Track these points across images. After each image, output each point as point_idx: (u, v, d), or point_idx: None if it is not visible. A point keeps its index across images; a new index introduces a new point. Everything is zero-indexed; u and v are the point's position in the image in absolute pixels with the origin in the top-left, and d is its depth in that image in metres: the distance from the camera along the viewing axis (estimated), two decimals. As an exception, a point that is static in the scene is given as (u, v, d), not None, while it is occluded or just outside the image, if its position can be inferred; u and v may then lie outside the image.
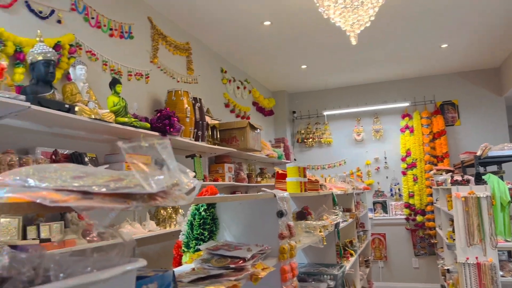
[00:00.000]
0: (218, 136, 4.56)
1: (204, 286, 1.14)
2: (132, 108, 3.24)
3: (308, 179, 2.62)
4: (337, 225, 2.95)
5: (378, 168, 6.99)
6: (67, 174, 0.73)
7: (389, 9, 4.16)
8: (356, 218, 4.28)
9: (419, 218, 6.61)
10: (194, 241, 1.73)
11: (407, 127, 6.86)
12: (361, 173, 7.06)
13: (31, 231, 2.27)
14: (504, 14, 4.47)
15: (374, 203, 6.98)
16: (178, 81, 4.25)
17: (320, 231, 2.42)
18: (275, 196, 1.76)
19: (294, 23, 4.50)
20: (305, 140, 7.41)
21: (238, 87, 5.78)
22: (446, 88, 6.75)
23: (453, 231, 4.23)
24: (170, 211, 3.46)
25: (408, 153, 6.77)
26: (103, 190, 0.64)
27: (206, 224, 1.76)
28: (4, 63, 2.09)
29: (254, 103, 6.37)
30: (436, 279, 6.48)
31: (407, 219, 6.75)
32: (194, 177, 0.95)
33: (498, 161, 4.83)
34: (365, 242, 5.08)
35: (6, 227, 2.15)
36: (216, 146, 4.27)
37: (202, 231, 1.74)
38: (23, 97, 2.10)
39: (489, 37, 5.16)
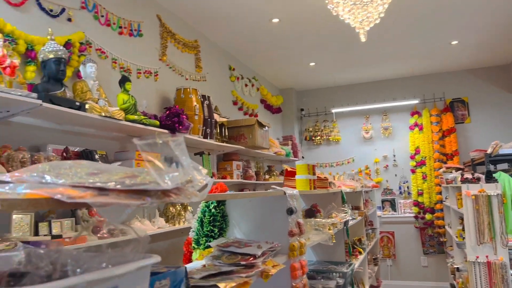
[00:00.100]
0: (227, 134, 4.57)
1: (215, 283, 1.15)
2: (142, 106, 3.25)
3: (318, 176, 2.61)
4: (346, 223, 2.94)
5: (387, 166, 6.95)
6: (82, 171, 0.74)
7: (398, 5, 4.13)
8: (364, 216, 4.27)
9: (428, 216, 6.57)
10: (204, 238, 1.73)
11: (416, 124, 6.81)
12: (370, 171, 7.03)
13: (43, 227, 2.30)
14: (515, 10, 4.42)
15: (382, 201, 6.95)
16: (187, 79, 4.26)
17: (329, 229, 2.42)
18: (285, 193, 1.76)
19: (303, 20, 4.48)
20: (313, 138, 7.39)
21: (246, 85, 5.78)
22: (456, 85, 6.69)
23: (463, 229, 4.20)
24: (179, 208, 3.48)
25: (417, 151, 6.73)
26: (119, 186, 0.65)
27: (216, 221, 1.77)
28: (16, 61, 2.11)
29: (262, 101, 6.37)
30: (445, 278, 6.44)
31: (416, 217, 6.71)
32: (207, 174, 0.96)
33: (509, 159, 4.78)
34: (373, 240, 5.06)
35: (18, 223, 2.18)
36: (224, 144, 4.27)
37: (212, 228, 1.75)
38: (35, 95, 2.12)
39: (499, 34, 5.10)
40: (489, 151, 4.37)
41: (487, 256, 3.75)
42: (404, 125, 6.92)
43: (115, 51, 3.27)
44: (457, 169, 5.42)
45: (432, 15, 4.49)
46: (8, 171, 2.07)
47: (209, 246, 1.69)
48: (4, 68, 2.03)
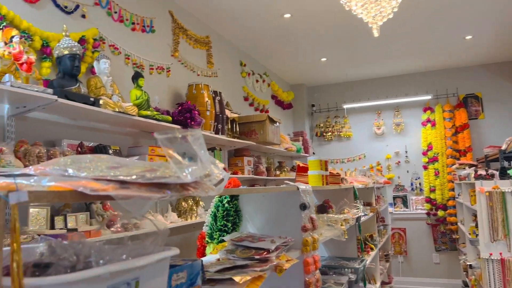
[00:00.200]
0: (238, 130, 4.58)
1: (230, 276, 1.16)
2: (154, 102, 3.27)
3: (330, 172, 2.61)
4: (358, 219, 2.93)
5: (399, 162, 6.90)
6: (102, 165, 0.75)
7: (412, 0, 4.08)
8: (376, 212, 4.25)
9: (440, 213, 6.52)
10: (217, 232, 1.75)
11: (428, 120, 6.74)
12: (381, 167, 6.99)
13: (59, 221, 2.34)
14: (532, 4, 4.34)
15: (394, 198, 6.91)
16: (198, 75, 4.28)
17: (341, 225, 2.42)
18: (298, 189, 1.76)
19: (314, 15, 4.46)
20: (324, 134, 7.36)
21: (257, 80, 5.78)
22: (470, 80, 6.60)
23: (476, 226, 4.16)
24: (191, 203, 3.50)
25: (429, 147, 6.67)
26: (140, 180, 0.66)
27: (229, 215, 1.78)
28: (33, 57, 2.14)
29: (273, 97, 6.36)
30: (457, 275, 6.39)
31: (428, 213, 6.66)
32: (223, 168, 0.96)
33: (524, 155, 4.71)
34: (385, 237, 5.04)
35: (35, 217, 2.22)
36: (235, 140, 4.29)
37: (225, 222, 1.76)
38: (50, 90, 2.15)
39: (515, 28, 5.02)
40: (503, 147, 4.31)
41: (500, 253, 3.71)
42: (417, 121, 6.86)
43: (128, 47, 3.29)
44: (471, 166, 5.37)
45: (446, 10, 4.43)
46: (25, 166, 2.11)
47: (222, 241, 1.70)
48: (21, 64, 2.06)
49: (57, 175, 0.67)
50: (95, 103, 2.46)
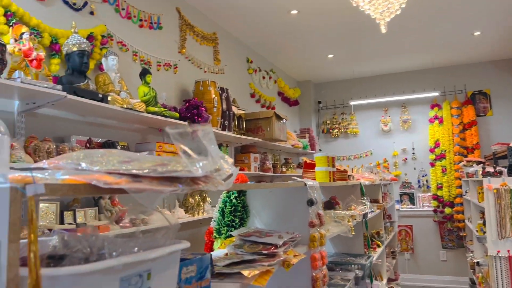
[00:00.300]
0: (244, 126, 4.58)
1: (239, 270, 1.17)
2: (161, 98, 3.29)
3: (337, 169, 2.61)
4: (365, 215, 2.93)
5: (406, 159, 6.87)
6: (114, 159, 0.76)
7: (420, -4, 4.06)
8: (383, 209, 4.24)
9: (447, 210, 6.49)
10: (225, 228, 1.76)
11: (436, 117, 6.70)
12: (388, 164, 6.96)
13: (68, 216, 2.37)
14: (542, -1, 4.29)
15: (401, 195, 6.89)
16: (205, 71, 4.29)
17: (348, 221, 2.42)
18: (305, 184, 1.76)
19: (321, 11, 4.45)
20: (330, 131, 7.35)
21: (263, 77, 5.78)
22: (478, 77, 6.55)
23: (484, 223, 4.14)
24: (198, 199, 3.52)
25: (437, 144, 6.63)
26: (152, 173, 0.67)
27: (237, 211, 1.79)
28: (42, 54, 2.16)
29: (280, 93, 6.36)
30: (464, 272, 6.36)
31: (435, 211, 6.63)
32: (232, 164, 0.97)
33: (533, 152, 4.67)
34: (391, 234, 5.03)
35: (45, 212, 2.25)
36: (242, 136, 4.30)
37: (233, 218, 1.77)
38: (59, 87, 2.17)
39: (525, 24, 4.97)
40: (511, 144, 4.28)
41: (508, 251, 3.69)
42: (424, 117, 6.82)
43: (135, 43, 3.31)
44: (478, 163, 5.33)
45: (454, 5, 4.40)
46: (35, 161, 2.13)
47: (230, 236, 1.71)
48: (31, 61, 2.08)
49: (70, 168, 0.69)
50: (104, 99, 2.48)
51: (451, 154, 6.52)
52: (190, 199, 3.47)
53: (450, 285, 6.44)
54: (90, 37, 2.79)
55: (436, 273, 6.60)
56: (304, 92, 7.15)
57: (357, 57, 6.13)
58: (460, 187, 6.40)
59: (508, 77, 6.38)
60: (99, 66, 2.88)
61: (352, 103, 7.12)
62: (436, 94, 6.63)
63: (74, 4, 2.76)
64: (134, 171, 0.66)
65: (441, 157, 6.59)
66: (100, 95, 2.47)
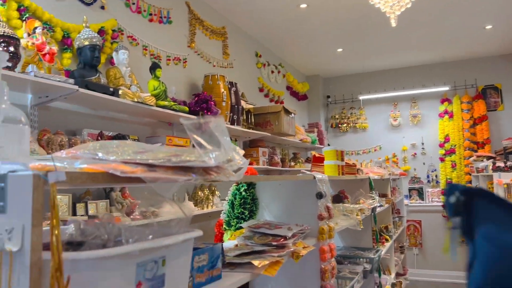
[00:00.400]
0: (253, 120, 4.59)
1: (249, 260, 1.19)
2: (171, 92, 3.31)
3: (346, 162, 2.62)
4: (373, 209, 2.94)
5: (415, 154, 6.84)
6: (129, 149, 0.78)
7: (430, -11, 4.02)
8: (392, 203, 4.24)
9: (456, 205, 6.45)
10: (235, 220, 1.78)
11: (446, 112, 6.65)
12: (397, 159, 6.94)
13: (80, 208, 2.41)
14: (556, -8, 4.22)
15: (410, 190, 6.86)
16: (214, 66, 4.30)
17: (357, 215, 2.43)
18: (314, 178, 1.78)
19: (331, 5, 4.43)
20: (339, 125, 7.33)
21: (272, 71, 5.78)
22: (489, 71, 6.47)
23: (494, 219, 4.12)
24: (207, 193, 3.55)
25: (446, 139, 6.59)
26: (167, 163, 0.69)
27: (246, 203, 1.81)
28: (55, 48, 2.19)
29: (288, 88, 6.35)
30: (473, 268, 6.33)
31: (444, 206, 6.60)
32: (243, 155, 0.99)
33: (544, 147, 4.62)
34: (400, 228, 5.03)
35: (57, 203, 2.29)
36: (250, 130, 4.31)
37: (242, 210, 1.80)
38: (72, 80, 2.21)
39: (538, 17, 4.90)
40: (523, 139, 4.24)
41: (518, 246, 3.67)
42: (434, 112, 6.77)
43: (145, 38, 3.33)
44: (489, 158, 5.29)
45: (465, -1, 4.35)
46: (48, 154, 2.17)
47: (239, 228, 1.73)
48: (44, 55, 2.11)
49: (88, 158, 0.71)
50: (115, 93, 2.51)
51: (461, 149, 6.47)
52: (199, 192, 3.50)
53: (458, 280, 6.42)
54: (101, 32, 2.81)
55: (445, 269, 6.58)
56: (313, 86, 7.14)
57: (366, 51, 6.09)
58: (470, 182, 6.36)
59: (520, 72, 6.30)
60: (110, 60, 2.91)
61: (361, 97, 7.09)
62: (446, 88, 6.58)
63: (85, -2, 2.79)
64: (150, 161, 0.68)
65: (450, 152, 6.54)
66: (111, 89, 2.49)
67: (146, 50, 3.33)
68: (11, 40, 1.92)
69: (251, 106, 4.60)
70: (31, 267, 0.52)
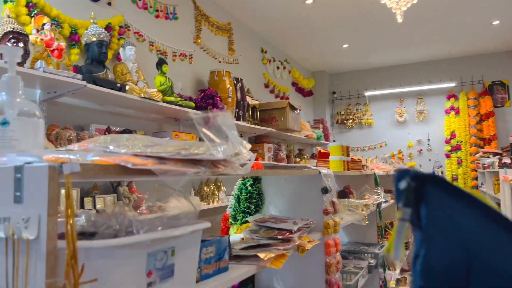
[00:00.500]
0: (258, 116, 4.61)
1: (255, 253, 1.21)
2: (177, 88, 3.33)
3: (351, 158, 2.62)
4: (379, 205, 2.94)
5: (421, 150, 6.82)
6: (139, 143, 0.80)
7: (437, -16, 4.00)
8: (397, 199, 4.23)
9: (462, 202, 6.43)
10: (241, 214, 1.80)
11: (452, 108, 6.62)
12: (403, 155, 6.92)
13: (88, 202, 2.44)
14: None
15: (415, 186, 6.84)
16: (220, 62, 4.32)
17: (362, 210, 2.44)
18: (319, 173, 1.79)
19: (336, 1, 4.42)
20: (344, 121, 7.33)
21: (277, 67, 5.78)
22: (496, 67, 6.43)
23: (499, 215, 4.11)
24: (213, 188, 3.58)
25: (452, 135, 6.56)
26: (177, 156, 0.71)
27: (252, 198, 1.83)
28: (63, 44, 2.21)
29: (294, 84, 6.35)
30: (478, 265, 6.33)
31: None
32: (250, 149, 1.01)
33: (551, 144, 4.60)
34: (405, 224, 5.02)
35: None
36: (256, 126, 4.32)
37: (248, 204, 1.81)
38: (80, 76, 2.23)
39: (546, 12, 4.85)
40: (530, 135, 4.22)
41: (524, 243, 3.66)
42: (440, 108, 6.74)
43: (152, 34, 3.35)
44: (495, 154, 5.27)
45: (473, -6, 4.33)
46: (57, 148, 2.20)
47: (245, 222, 1.75)
48: (52, 51, 2.14)
49: (99, 151, 0.73)
50: (122, 88, 2.53)
51: (467, 146, 6.45)
52: (205, 187, 3.52)
53: (464, 277, 6.41)
54: (108, 28, 2.84)
55: (450, 265, 6.57)
56: (319, 82, 7.13)
57: (372, 47, 6.07)
58: (476, 178, 6.34)
59: (528, 67, 6.26)
60: (116, 56, 2.93)
61: (367, 93, 7.07)
62: (452, 84, 6.55)
63: (93, -5, 2.81)
64: (162, 154, 0.70)
65: (456, 148, 6.52)
66: (119, 85, 2.52)
67: (152, 46, 3.35)
68: (20, 36, 1.95)
69: (256, 102, 4.61)
70: (47, 254, 0.55)
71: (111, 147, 0.74)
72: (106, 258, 0.59)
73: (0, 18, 2.13)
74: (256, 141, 4.69)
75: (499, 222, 0.46)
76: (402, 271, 4.74)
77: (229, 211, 1.88)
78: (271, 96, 5.54)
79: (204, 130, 0.76)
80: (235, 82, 3.95)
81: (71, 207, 0.55)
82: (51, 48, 2.13)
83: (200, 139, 0.95)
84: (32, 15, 2.28)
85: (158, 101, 2.81)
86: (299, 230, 1.52)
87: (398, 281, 3.85)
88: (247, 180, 1.86)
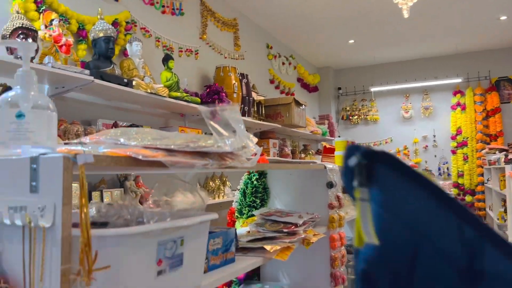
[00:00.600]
0: (263, 112, 4.62)
1: (261, 245, 1.23)
2: (183, 84, 3.35)
3: (356, 153, 2.64)
4: (383, 200, 2.96)
5: (426, 146, 6.80)
6: (148, 136, 0.82)
7: (444, -21, 3.98)
8: (402, 195, 4.24)
9: (468, 198, 6.42)
10: (247, 208, 1.82)
11: (458, 104, 6.59)
12: (408, 151, 6.91)
13: (95, 196, 2.47)
14: None
15: (420, 182, 6.83)
16: (226, 57, 4.33)
17: (367, 205, 2.45)
18: (325, 167, 1.81)
19: (342, -4, 4.41)
20: (350, 117, 7.32)
21: (283, 63, 5.78)
22: (503, 63, 6.38)
23: (505, 211, 4.10)
24: (218, 183, 3.60)
25: (458, 131, 6.54)
26: (186, 149, 0.72)
27: (258, 192, 1.85)
28: (70, 39, 2.24)
29: (299, 79, 6.35)
30: (484, 261, 6.31)
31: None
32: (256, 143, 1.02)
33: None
34: (410, 220, 5.03)
35: (74, 191, 2.35)
36: (261, 122, 4.33)
37: (254, 198, 1.83)
38: (87, 71, 2.26)
39: (554, 7, 4.81)
40: (536, 131, 4.20)
41: (529, 239, 3.66)
42: (446, 104, 6.71)
43: (158, 30, 3.36)
44: (501, 150, 5.25)
45: (480, -11, 4.30)
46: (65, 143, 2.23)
47: (251, 216, 1.77)
48: (60, 46, 2.16)
49: (110, 143, 0.75)
50: (128, 84, 2.55)
51: (473, 142, 6.42)
52: (210, 182, 3.55)
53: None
54: (114, 23, 2.85)
55: (455, 261, 6.57)
56: (324, 78, 7.12)
57: (378, 43, 6.05)
58: (482, 175, 6.32)
59: (535, 63, 6.21)
60: (123, 52, 2.96)
61: (372, 89, 7.05)
62: (459, 80, 6.51)
63: (100, -10, 2.83)
64: (170, 146, 0.72)
65: (462, 144, 6.50)
66: (125, 80, 2.54)
67: (158, 41, 3.36)
68: (29, 32, 1.97)
69: (262, 98, 4.62)
70: (62, 241, 0.57)
71: (121, 140, 0.76)
72: (118, 246, 0.61)
73: (9, 14, 2.16)
74: (261, 136, 4.70)
75: (447, 204, 0.44)
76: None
77: (235, 205, 1.91)
78: (277, 92, 5.54)
79: (212, 123, 0.78)
80: (240, 77, 3.96)
81: (85, 196, 0.58)
82: (59, 44, 2.16)
83: (206, 135, 0.97)
84: (41, 11, 2.30)
85: (164, 96, 2.83)
86: (304, 223, 1.53)
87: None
88: (252, 174, 1.88)
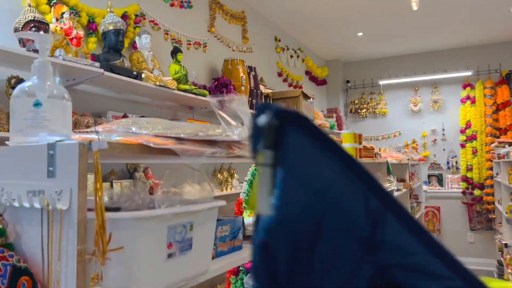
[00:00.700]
0: (272, 105, 4.63)
1: (268, 234, 1.25)
2: (191, 76, 3.38)
3: (364, 146, 2.64)
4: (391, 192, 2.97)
5: (435, 140, 6.77)
6: (159, 125, 0.85)
7: (454, -29, 3.93)
8: (410, 188, 4.25)
9: (477, 192, 6.39)
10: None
11: (468, 97, 6.53)
12: (417, 145, 6.88)
13: (105, 187, 2.52)
14: None
15: (429, 176, 6.81)
16: (234, 50, 4.34)
17: (374, 197, 2.46)
18: (332, 159, 1.82)
19: (351, -12, 4.38)
20: (358, 111, 7.30)
21: (291, 56, 5.77)
22: (514, 56, 6.31)
23: (514, 205, 4.09)
24: (226, 175, 3.64)
25: (468, 125, 6.49)
26: (195, 137, 0.75)
27: (265, 183, 1.87)
28: (81, 32, 2.27)
29: (307, 72, 6.34)
30: (492, 255, 6.30)
31: (463, 192, 6.54)
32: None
33: None
34: (418, 214, 5.04)
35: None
36: (270, 114, 4.34)
37: (262, 190, 1.86)
38: (97, 64, 2.29)
39: None
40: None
41: (538, 233, 3.65)
42: (455, 98, 6.66)
43: (167, 22, 3.39)
44: (511, 144, 5.21)
45: (491, -20, 4.25)
46: (76, 135, 2.27)
47: (259, 206, 1.80)
48: (71, 39, 2.20)
49: (122, 132, 0.78)
50: (138, 76, 2.59)
51: (482, 135, 6.37)
52: (219, 175, 3.58)
53: (477, 267, 6.39)
54: (124, 16, 2.88)
55: (463, 255, 6.55)
56: (332, 71, 7.10)
57: (387, 36, 6.01)
58: (491, 168, 6.27)
59: (547, 56, 6.13)
60: (132, 45, 2.98)
61: (381, 82, 7.02)
62: (469, 73, 6.45)
63: (109, -16, 2.85)
64: (180, 135, 0.74)
65: (472, 138, 6.45)
66: (135, 73, 2.57)
67: (167, 34, 3.39)
68: (41, 25, 2.00)
69: (270, 91, 4.63)
70: (78, 224, 0.60)
71: (133, 129, 0.79)
72: (131, 228, 0.64)
73: (21, 8, 2.19)
74: (269, 129, 4.71)
75: (357, 173, 0.43)
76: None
77: (243, 196, 1.93)
78: (285, 85, 5.55)
79: (220, 112, 0.80)
80: (248, 70, 3.98)
81: (100, 181, 0.60)
82: (70, 37, 2.19)
83: (231, 115, 0.99)
84: (52, 4, 2.33)
85: (173, 89, 2.86)
86: (311, 214, 1.55)
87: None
88: (260, 165, 1.91)
